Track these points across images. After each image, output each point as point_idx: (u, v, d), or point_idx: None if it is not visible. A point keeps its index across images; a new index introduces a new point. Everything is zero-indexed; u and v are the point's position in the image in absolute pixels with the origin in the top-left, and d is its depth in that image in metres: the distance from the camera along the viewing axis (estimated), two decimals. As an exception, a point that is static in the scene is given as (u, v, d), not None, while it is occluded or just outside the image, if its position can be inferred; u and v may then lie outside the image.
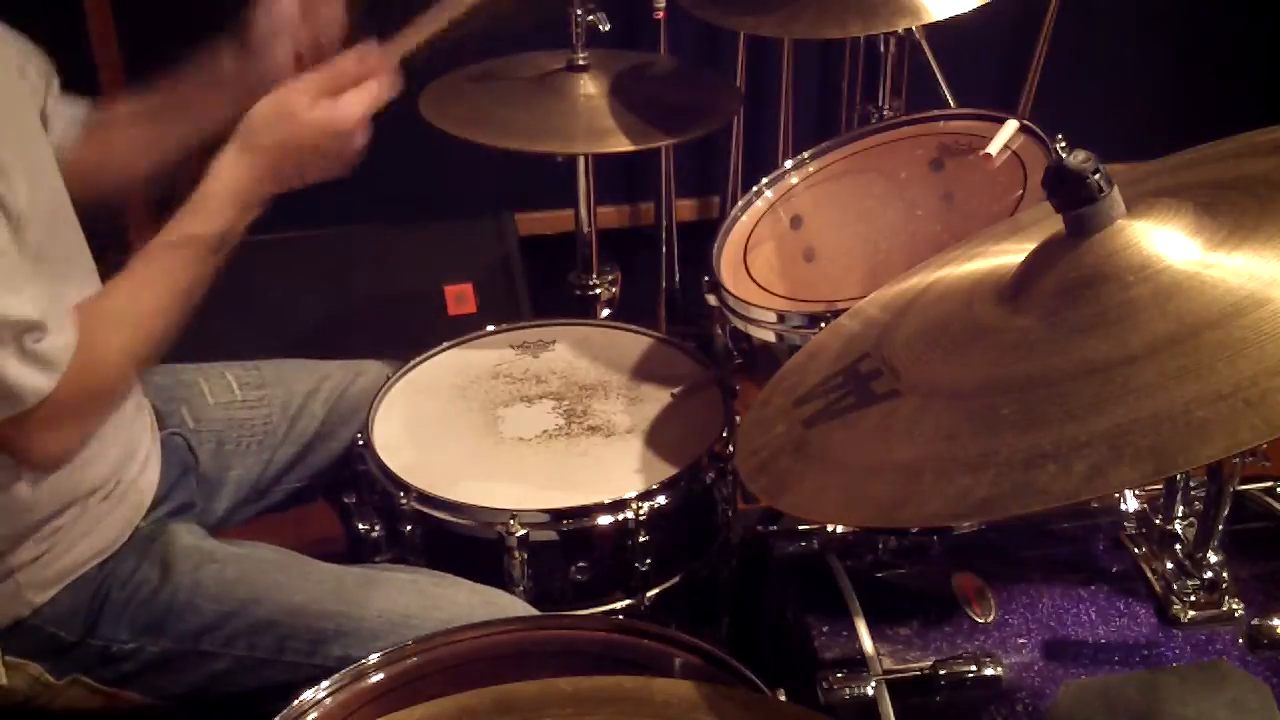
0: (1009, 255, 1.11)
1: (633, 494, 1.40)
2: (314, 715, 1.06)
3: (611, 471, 1.47)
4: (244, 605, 1.30)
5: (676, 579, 1.47)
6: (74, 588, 1.28)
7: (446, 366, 1.69)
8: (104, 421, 1.25)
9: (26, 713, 1.30)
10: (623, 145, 1.82)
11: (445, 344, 1.72)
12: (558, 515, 1.40)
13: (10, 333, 1.08)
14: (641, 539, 1.40)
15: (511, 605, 1.33)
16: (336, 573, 1.34)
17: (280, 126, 1.25)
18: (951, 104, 2.17)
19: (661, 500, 1.42)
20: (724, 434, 1.51)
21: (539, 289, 2.41)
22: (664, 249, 2.61)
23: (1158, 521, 1.19)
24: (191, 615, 1.29)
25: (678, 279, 2.63)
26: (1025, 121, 1.66)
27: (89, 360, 1.15)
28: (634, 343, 1.73)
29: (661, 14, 2.37)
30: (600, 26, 1.92)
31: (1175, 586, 1.17)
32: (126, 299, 1.22)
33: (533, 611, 1.33)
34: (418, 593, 1.32)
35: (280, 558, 1.36)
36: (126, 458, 1.33)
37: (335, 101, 1.25)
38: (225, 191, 1.23)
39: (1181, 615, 1.15)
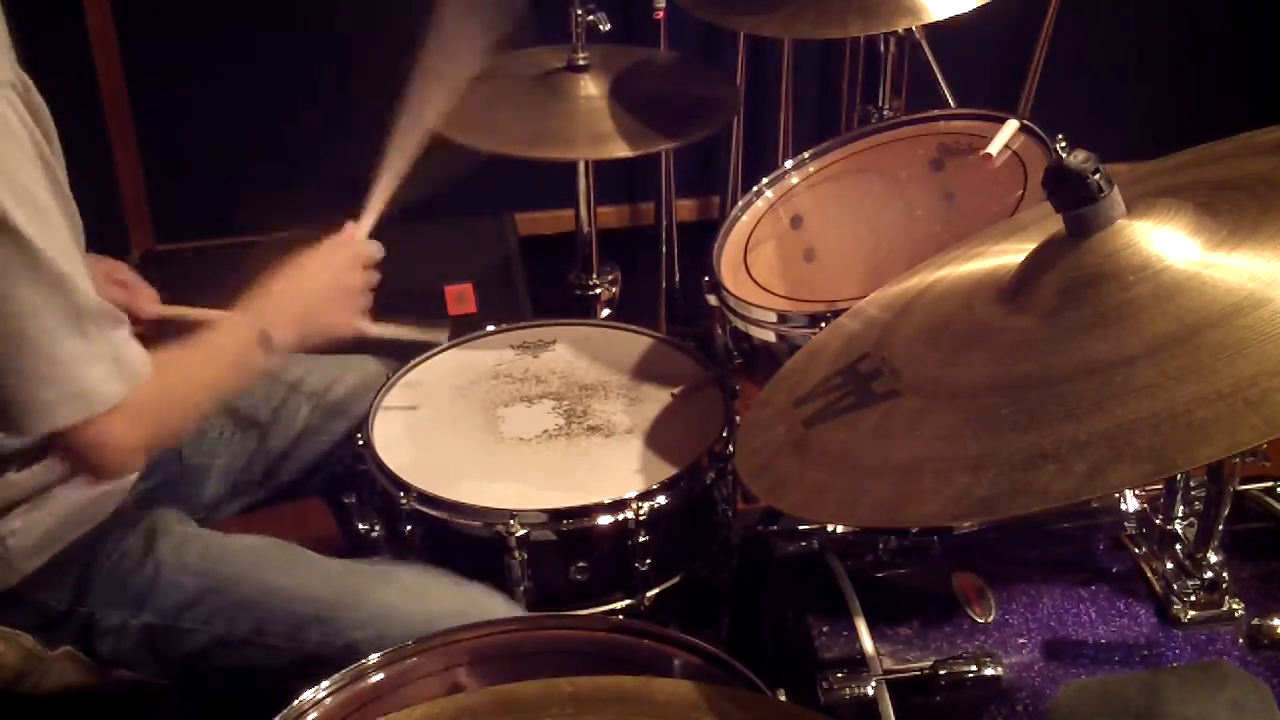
0: (1009, 255, 1.11)
1: (633, 494, 1.40)
2: (314, 715, 1.06)
3: (611, 471, 1.47)
4: (224, 583, 1.31)
5: (676, 579, 1.47)
6: (62, 556, 1.30)
7: (446, 366, 1.69)
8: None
9: (18, 698, 1.31)
10: (622, 151, 1.82)
11: (445, 344, 1.72)
12: (558, 515, 1.39)
13: (110, 322, 1.14)
14: (641, 539, 1.40)
15: (490, 600, 1.34)
16: (323, 562, 1.36)
17: (333, 268, 1.40)
18: (951, 104, 2.16)
19: (661, 500, 1.42)
20: (724, 434, 1.50)
21: (539, 289, 2.41)
22: (664, 249, 2.60)
23: (1158, 521, 1.19)
24: (173, 590, 1.31)
25: (678, 279, 2.63)
26: (1025, 121, 1.66)
27: (167, 369, 1.20)
28: (634, 343, 1.73)
29: (661, 14, 2.37)
30: (600, 27, 1.92)
31: (1175, 586, 1.17)
32: (205, 344, 1.30)
33: (518, 607, 1.35)
34: (401, 587, 1.33)
35: (267, 544, 1.38)
36: None
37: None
38: (276, 302, 1.34)
39: (1181, 615, 1.15)
